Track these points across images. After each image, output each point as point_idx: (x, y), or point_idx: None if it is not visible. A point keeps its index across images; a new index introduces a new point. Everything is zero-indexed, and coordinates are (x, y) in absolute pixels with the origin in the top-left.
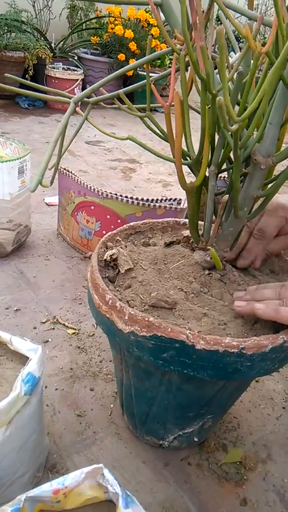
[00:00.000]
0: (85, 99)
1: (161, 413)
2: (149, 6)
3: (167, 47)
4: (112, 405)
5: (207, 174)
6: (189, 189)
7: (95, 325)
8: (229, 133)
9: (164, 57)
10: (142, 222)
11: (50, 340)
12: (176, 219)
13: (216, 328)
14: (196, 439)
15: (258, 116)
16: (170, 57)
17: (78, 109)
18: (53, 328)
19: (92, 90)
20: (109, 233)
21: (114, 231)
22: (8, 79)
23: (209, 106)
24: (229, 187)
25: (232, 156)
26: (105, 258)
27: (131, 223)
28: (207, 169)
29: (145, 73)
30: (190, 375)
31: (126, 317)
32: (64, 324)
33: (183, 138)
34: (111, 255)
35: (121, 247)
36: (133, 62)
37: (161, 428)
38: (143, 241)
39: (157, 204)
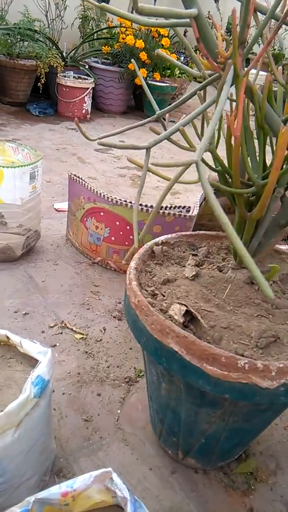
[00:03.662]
0: None
1: (213, 444)
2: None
3: (177, 58)
4: (119, 411)
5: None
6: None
7: (103, 330)
8: None
9: (174, 67)
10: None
11: (58, 344)
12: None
13: None
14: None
15: None
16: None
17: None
18: (61, 333)
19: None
20: (136, 255)
21: (138, 255)
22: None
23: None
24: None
25: None
26: (179, 319)
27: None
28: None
29: (154, 83)
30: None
31: (274, 373)
32: (72, 329)
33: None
34: (184, 317)
35: (179, 303)
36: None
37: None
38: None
39: (167, 211)
